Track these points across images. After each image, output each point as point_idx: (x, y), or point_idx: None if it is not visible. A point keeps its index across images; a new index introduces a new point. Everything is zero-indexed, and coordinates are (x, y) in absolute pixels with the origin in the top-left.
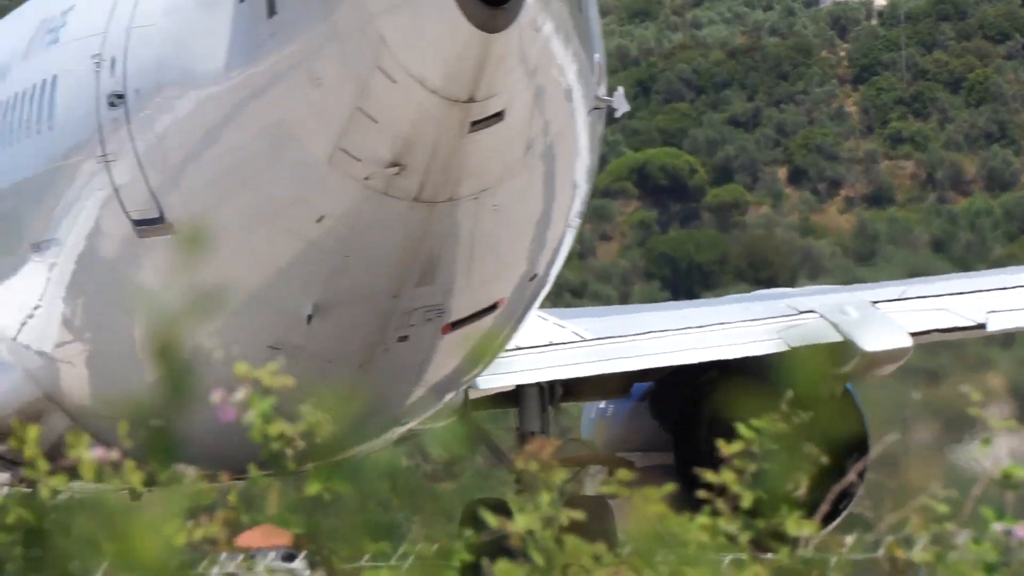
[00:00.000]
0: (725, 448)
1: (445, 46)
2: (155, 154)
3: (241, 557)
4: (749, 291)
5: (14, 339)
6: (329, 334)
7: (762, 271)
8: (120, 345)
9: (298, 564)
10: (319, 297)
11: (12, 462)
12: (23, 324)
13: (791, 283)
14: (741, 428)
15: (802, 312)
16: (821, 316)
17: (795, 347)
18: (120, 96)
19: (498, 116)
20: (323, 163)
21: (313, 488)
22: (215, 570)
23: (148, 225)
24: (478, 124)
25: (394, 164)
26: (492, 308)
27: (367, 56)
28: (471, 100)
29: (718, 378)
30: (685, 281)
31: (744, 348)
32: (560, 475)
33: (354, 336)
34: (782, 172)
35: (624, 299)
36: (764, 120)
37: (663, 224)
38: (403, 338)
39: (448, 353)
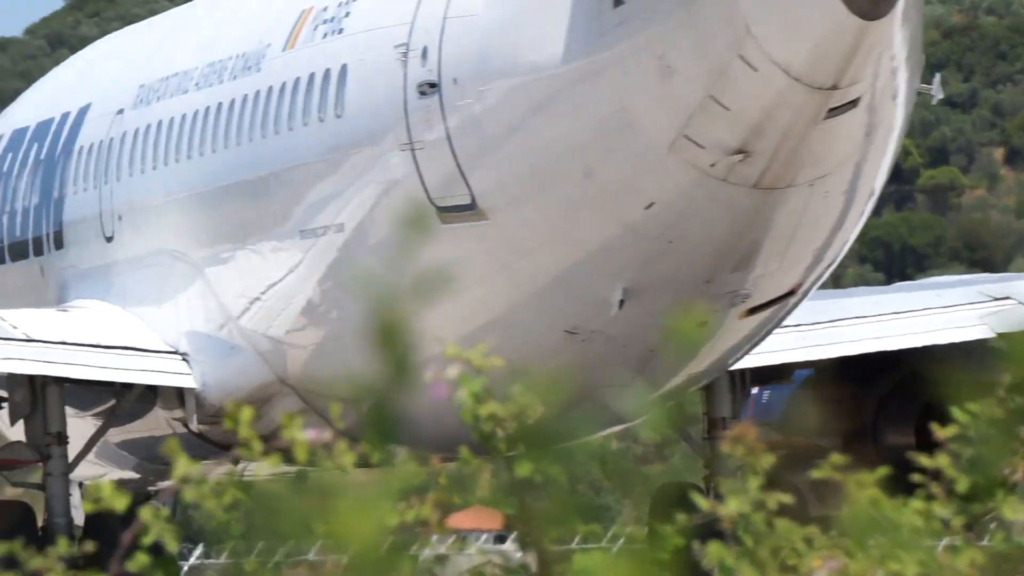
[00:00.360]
0: (939, 432)
1: (819, 34)
2: (472, 141)
3: (452, 539)
4: (963, 274)
5: (250, 322)
6: (632, 319)
7: (977, 253)
8: None
9: (509, 546)
10: (630, 283)
11: (220, 444)
12: (262, 308)
13: (1005, 266)
14: (956, 412)
15: (996, 299)
16: (1021, 303)
17: (1005, 332)
18: (433, 85)
19: (853, 103)
20: (663, 150)
21: (524, 470)
22: (426, 552)
23: (455, 211)
24: (834, 111)
25: (739, 151)
26: (789, 294)
27: (728, 44)
28: (834, 87)
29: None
30: (899, 264)
31: (947, 334)
32: (767, 459)
33: (655, 321)
34: (999, 154)
35: (836, 282)
36: (981, 101)
37: (876, 206)
38: (702, 323)
39: (733, 338)
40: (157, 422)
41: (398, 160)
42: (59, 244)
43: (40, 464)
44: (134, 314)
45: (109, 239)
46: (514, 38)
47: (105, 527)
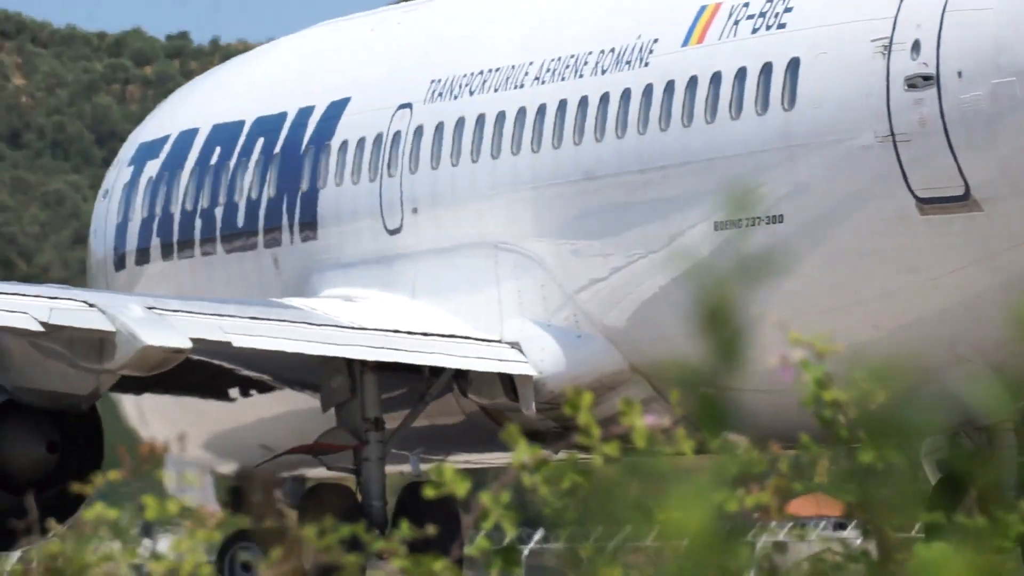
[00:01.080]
0: None
1: None
2: (977, 134)
3: (791, 525)
4: None
5: (602, 311)
6: None
7: None
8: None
9: (850, 533)
10: None
11: (536, 434)
12: (621, 297)
13: None
14: None
15: None
16: None
17: None
18: (927, 78)
19: None
20: None
21: (866, 456)
22: (765, 538)
23: (941, 203)
24: None
25: None
26: None
27: None
28: None
29: None
30: None
31: None
32: None
33: None
34: None
35: None
36: None
37: None
38: None
39: None
40: (442, 410)
41: (873, 152)
42: (307, 236)
43: (353, 450)
44: (432, 304)
45: (393, 231)
46: None
47: (439, 511)
